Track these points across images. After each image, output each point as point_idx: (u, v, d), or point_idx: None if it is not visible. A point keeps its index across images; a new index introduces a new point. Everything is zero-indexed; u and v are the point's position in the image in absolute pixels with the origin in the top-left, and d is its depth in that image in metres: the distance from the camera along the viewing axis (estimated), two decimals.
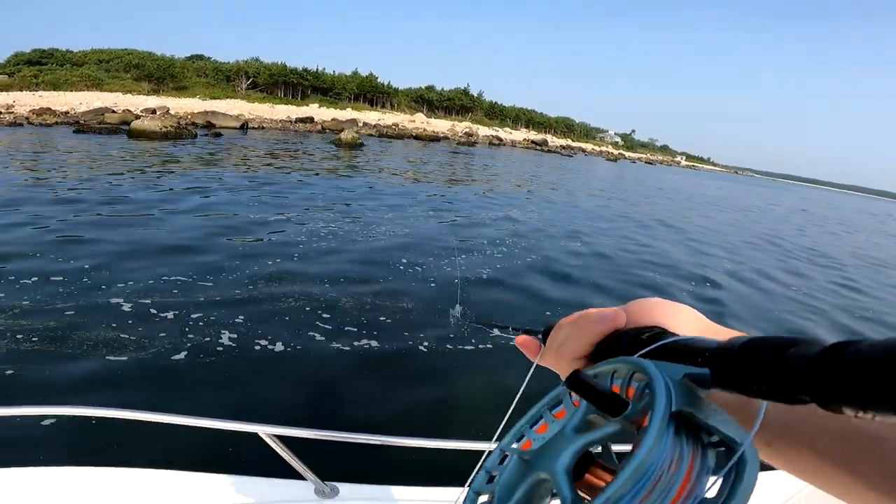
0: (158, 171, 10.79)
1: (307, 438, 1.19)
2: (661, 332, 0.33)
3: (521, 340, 0.45)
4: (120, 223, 6.25)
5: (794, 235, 14.84)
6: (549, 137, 72.68)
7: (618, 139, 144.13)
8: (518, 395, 0.41)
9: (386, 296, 4.64)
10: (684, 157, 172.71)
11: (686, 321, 0.37)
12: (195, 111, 30.88)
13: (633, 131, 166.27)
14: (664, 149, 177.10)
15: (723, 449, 0.24)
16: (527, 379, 0.42)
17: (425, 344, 3.79)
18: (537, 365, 0.43)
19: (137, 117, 20.98)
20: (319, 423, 2.76)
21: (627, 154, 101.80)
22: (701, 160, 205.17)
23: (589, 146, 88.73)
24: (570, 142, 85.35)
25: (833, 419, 0.25)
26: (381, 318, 4.14)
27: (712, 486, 0.23)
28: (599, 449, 0.28)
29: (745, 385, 0.22)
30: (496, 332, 0.57)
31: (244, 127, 28.27)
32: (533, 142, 60.92)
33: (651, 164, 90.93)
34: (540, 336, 0.44)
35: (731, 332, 0.37)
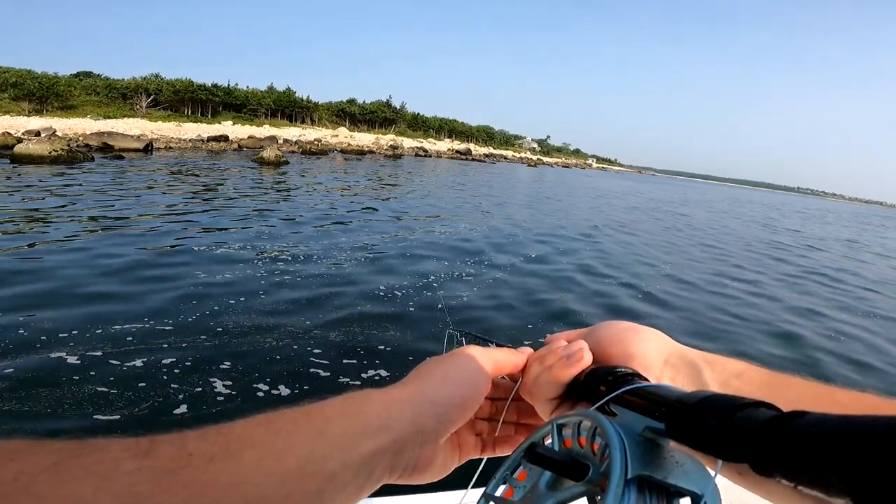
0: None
1: None
2: (629, 375, 0.33)
3: None
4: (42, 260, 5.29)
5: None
6: (472, 146, 74.50)
7: (535, 145, 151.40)
8: (501, 421, 0.42)
9: (371, 320, 4.37)
10: (595, 160, 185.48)
11: (652, 347, 0.39)
12: (88, 132, 27.69)
13: (549, 136, 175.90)
14: (577, 152, 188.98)
15: (688, 498, 0.24)
16: (507, 403, 0.42)
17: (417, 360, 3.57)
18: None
19: (20, 140, 18.38)
20: None
21: (545, 159, 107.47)
22: (610, 162, 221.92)
23: (510, 153, 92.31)
24: (492, 150, 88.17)
25: None
26: (379, 346, 3.85)
27: None
28: None
29: (696, 444, 0.22)
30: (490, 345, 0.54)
31: (148, 148, 25.83)
32: (458, 151, 62.06)
33: (567, 167, 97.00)
34: None
35: (697, 353, 0.38)
